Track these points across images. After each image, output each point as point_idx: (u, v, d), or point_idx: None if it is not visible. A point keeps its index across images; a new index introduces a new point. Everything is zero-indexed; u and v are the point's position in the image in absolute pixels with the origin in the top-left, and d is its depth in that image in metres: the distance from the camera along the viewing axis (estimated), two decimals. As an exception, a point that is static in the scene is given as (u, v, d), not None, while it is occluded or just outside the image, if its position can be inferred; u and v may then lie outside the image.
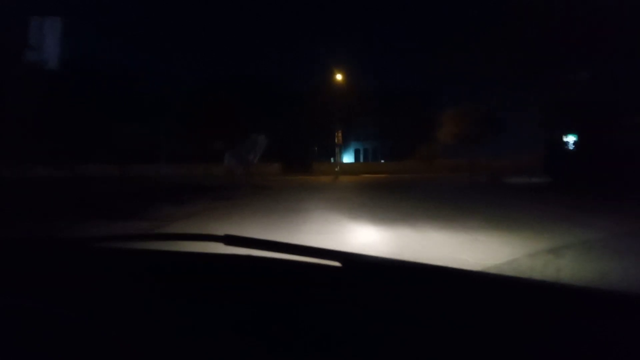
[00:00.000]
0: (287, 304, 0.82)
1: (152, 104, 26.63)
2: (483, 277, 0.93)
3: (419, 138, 41.14)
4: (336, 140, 30.46)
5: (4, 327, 0.72)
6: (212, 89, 29.58)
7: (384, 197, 13.62)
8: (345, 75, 31.56)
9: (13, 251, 1.10)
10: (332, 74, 31.14)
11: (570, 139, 19.61)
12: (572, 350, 0.65)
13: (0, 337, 0.70)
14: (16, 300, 0.78)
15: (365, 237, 6.15)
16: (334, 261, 0.88)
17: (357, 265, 0.92)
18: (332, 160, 31.30)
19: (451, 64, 20.44)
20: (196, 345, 0.68)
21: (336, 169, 30.53)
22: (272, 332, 0.72)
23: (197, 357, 0.66)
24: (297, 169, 34.59)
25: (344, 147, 44.74)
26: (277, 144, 42.00)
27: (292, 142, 41.16)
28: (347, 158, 47.76)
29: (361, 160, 48.71)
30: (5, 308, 0.76)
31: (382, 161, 43.61)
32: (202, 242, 1.05)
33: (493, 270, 2.77)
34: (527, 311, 0.74)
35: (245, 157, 17.07)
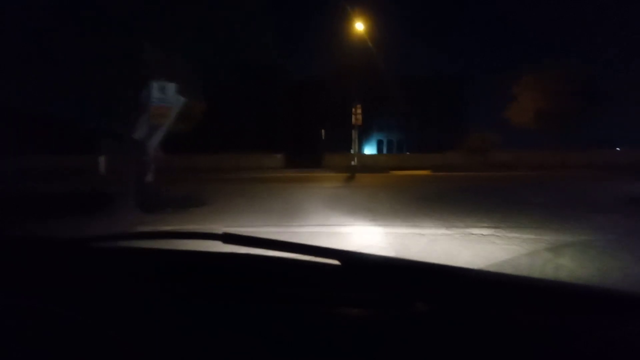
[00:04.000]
0: (285, 303, 0.82)
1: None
2: (482, 275, 0.91)
3: (460, 126, 32.78)
4: (354, 120, 20.34)
5: (4, 327, 0.73)
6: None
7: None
8: (368, 29, 21.54)
9: (11, 250, 1.09)
10: (351, 27, 21.18)
11: None
12: (571, 350, 0.65)
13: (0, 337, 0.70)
14: (15, 300, 0.78)
15: None
16: (333, 260, 0.87)
17: (356, 264, 0.91)
18: (352, 151, 21.25)
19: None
20: (194, 343, 0.68)
21: (352, 162, 20.57)
22: (270, 330, 0.72)
23: (195, 356, 0.66)
24: (304, 161, 25.58)
25: (364, 138, 35.38)
26: (280, 129, 33.39)
27: (299, 127, 32.38)
28: (369, 150, 38.68)
29: (384, 153, 39.78)
30: (5, 308, 0.77)
31: (407, 153, 34.21)
32: (200, 240, 1.03)
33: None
34: (526, 310, 0.74)
35: (138, 136, 6.95)
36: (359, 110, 20.06)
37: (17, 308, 0.75)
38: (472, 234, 4.92)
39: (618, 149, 31.80)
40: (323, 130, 26.15)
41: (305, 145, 30.08)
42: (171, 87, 6.77)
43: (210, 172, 20.77)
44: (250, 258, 0.94)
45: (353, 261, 0.91)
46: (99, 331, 0.69)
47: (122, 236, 1.17)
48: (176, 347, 0.66)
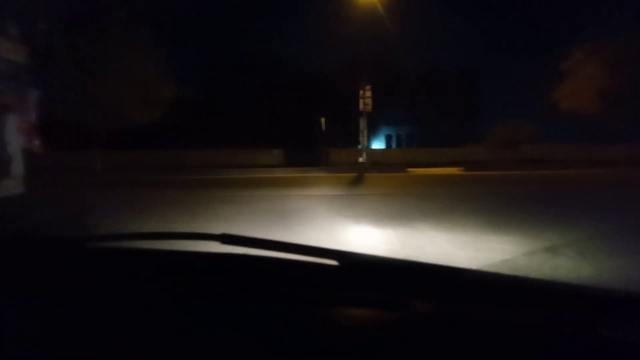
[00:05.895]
0: (284, 303, 0.83)
1: None
2: (482, 275, 0.92)
3: (479, 116, 29.28)
4: (361, 106, 16.35)
5: (4, 327, 0.73)
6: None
7: None
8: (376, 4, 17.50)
9: (11, 250, 1.09)
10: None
11: None
12: (571, 350, 0.66)
13: None
14: (15, 300, 0.80)
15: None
16: (332, 260, 0.87)
17: (354, 264, 0.92)
18: (359, 145, 17.31)
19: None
20: (194, 343, 0.68)
21: (361, 159, 16.60)
22: (269, 330, 0.72)
23: (194, 356, 0.66)
24: (305, 157, 21.82)
25: (372, 133, 31.39)
26: (277, 123, 29.70)
27: (301, 120, 28.67)
28: (377, 145, 34.72)
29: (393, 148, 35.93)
30: (5, 308, 0.78)
31: (423, 147, 30.42)
32: (198, 241, 1.03)
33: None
34: (526, 310, 0.75)
35: None
36: (368, 93, 16.11)
37: (17, 308, 0.77)
38: None
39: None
40: (323, 119, 22.06)
41: (308, 140, 26.31)
42: None
43: (182, 170, 17.02)
44: (249, 258, 0.94)
45: (351, 261, 0.91)
46: (99, 331, 0.70)
47: (121, 236, 1.18)
48: (176, 347, 0.67)
